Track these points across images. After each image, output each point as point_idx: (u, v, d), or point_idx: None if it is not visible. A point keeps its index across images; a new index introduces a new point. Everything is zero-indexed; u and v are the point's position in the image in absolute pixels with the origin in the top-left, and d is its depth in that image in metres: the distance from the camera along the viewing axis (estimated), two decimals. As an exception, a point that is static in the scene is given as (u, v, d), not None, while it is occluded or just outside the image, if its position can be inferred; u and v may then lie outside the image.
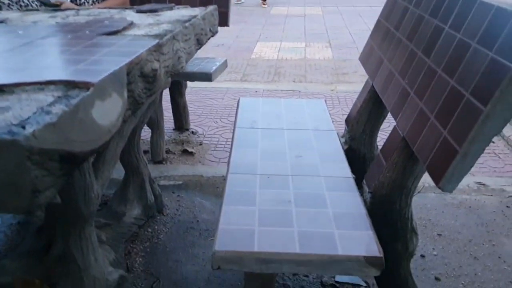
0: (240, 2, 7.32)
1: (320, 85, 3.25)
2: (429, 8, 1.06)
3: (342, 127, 1.86)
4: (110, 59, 0.90)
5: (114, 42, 1.04)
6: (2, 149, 0.56)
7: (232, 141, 1.26)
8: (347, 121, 1.45)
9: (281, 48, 4.40)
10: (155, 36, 1.14)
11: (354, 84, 3.19)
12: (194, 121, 2.54)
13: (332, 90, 3.08)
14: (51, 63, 0.88)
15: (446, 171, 0.73)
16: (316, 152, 1.17)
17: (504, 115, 0.70)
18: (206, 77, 1.93)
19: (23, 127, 0.60)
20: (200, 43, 1.41)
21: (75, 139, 0.67)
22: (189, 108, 2.46)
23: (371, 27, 5.23)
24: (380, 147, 1.14)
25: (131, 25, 1.29)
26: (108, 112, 0.78)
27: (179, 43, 1.20)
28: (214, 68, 1.99)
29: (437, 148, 0.77)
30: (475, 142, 0.71)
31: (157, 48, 1.04)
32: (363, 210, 1.00)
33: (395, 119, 1.01)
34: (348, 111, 2.71)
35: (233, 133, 1.31)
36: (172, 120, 2.44)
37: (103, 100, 0.77)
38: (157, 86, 1.04)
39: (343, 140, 1.34)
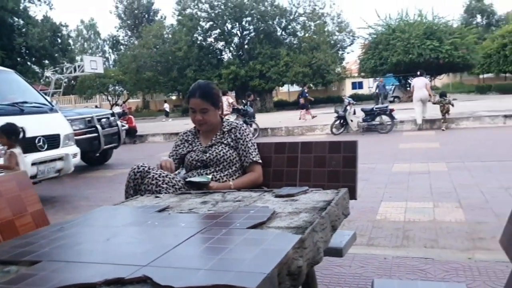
0: None
1: (455, 252, 3.06)
2: None
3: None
4: (262, 260, 1.01)
5: (263, 239, 1.16)
6: None
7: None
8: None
9: (407, 209, 4.32)
10: (297, 228, 1.26)
11: (494, 252, 2.95)
12: (322, 292, 2.52)
13: (469, 258, 2.88)
14: (215, 264, 1.01)
15: None
16: None
17: None
18: (336, 252, 1.97)
19: None
20: (334, 229, 1.49)
21: None
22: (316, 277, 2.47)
23: (505, 185, 4.98)
24: None
25: (273, 214, 1.43)
26: (264, 318, 0.85)
27: (317, 234, 1.29)
28: (344, 242, 2.03)
29: None
30: None
31: (300, 244, 1.14)
32: None
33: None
34: (492, 284, 2.48)
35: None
36: (301, 290, 2.44)
37: (260, 306, 0.85)
38: (300, 280, 1.11)
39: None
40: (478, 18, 55.07)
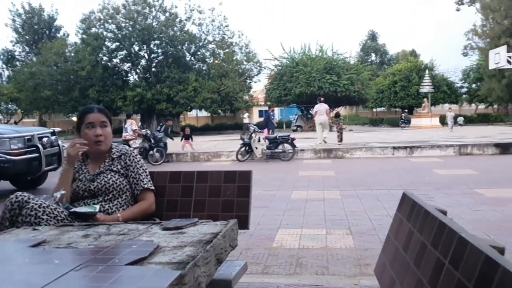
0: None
1: (343, 278, 3.22)
2: (430, 237, 1.15)
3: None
4: (135, 300, 0.98)
5: (141, 275, 1.13)
6: None
7: None
8: None
9: (302, 236, 4.47)
10: (178, 264, 1.24)
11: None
12: (214, 323, 2.49)
13: (355, 284, 3.04)
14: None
15: None
16: None
17: None
18: (225, 284, 1.96)
19: None
20: (220, 262, 1.49)
21: None
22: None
23: (391, 212, 5.37)
24: None
25: (156, 248, 1.40)
26: None
27: (200, 268, 1.28)
28: (234, 273, 2.03)
29: None
30: None
31: (179, 280, 1.12)
32: None
33: None
34: (373, 310, 2.64)
35: None
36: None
37: None
38: (177, 318, 1.09)
39: None
40: (373, 56, 60.22)
